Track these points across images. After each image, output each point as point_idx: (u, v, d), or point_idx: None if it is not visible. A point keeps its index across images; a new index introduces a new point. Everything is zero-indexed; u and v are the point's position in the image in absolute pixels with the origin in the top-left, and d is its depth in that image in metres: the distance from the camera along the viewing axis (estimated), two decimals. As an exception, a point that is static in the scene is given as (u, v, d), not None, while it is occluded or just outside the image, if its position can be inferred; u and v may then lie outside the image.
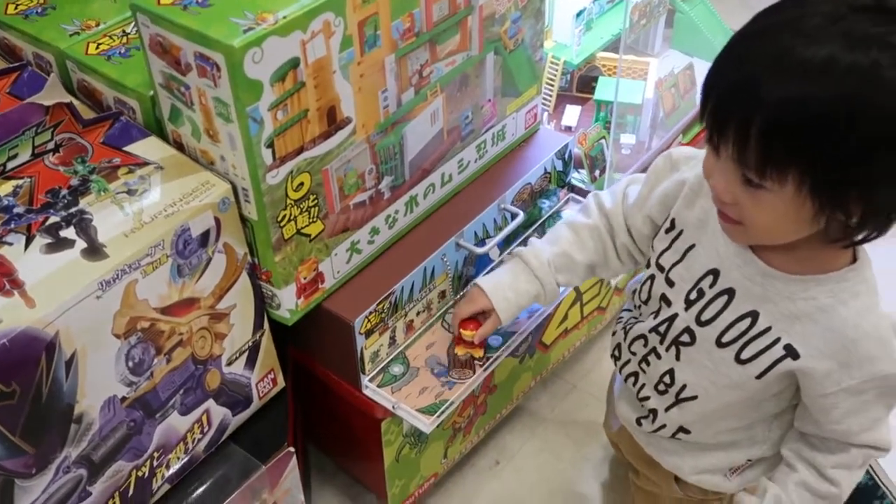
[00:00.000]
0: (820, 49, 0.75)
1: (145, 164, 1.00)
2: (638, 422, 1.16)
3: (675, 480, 1.18)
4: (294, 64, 0.93)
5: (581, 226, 1.16)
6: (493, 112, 1.29)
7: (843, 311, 0.90)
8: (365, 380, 1.19)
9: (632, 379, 1.14)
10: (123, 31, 1.13)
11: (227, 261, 1.03)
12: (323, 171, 1.04)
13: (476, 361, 1.22)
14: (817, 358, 0.92)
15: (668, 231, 1.05)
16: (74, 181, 0.96)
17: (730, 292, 0.97)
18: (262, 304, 1.10)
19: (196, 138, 1.00)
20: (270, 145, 0.96)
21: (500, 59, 1.24)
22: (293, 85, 0.95)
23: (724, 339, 0.98)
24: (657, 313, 1.06)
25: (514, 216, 1.30)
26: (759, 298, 0.94)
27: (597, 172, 1.47)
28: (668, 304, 1.04)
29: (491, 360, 1.22)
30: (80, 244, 0.90)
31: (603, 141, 1.47)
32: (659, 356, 1.07)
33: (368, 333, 1.15)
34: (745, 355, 0.97)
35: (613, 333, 1.20)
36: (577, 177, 1.48)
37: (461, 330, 1.19)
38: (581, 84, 1.65)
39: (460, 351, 1.22)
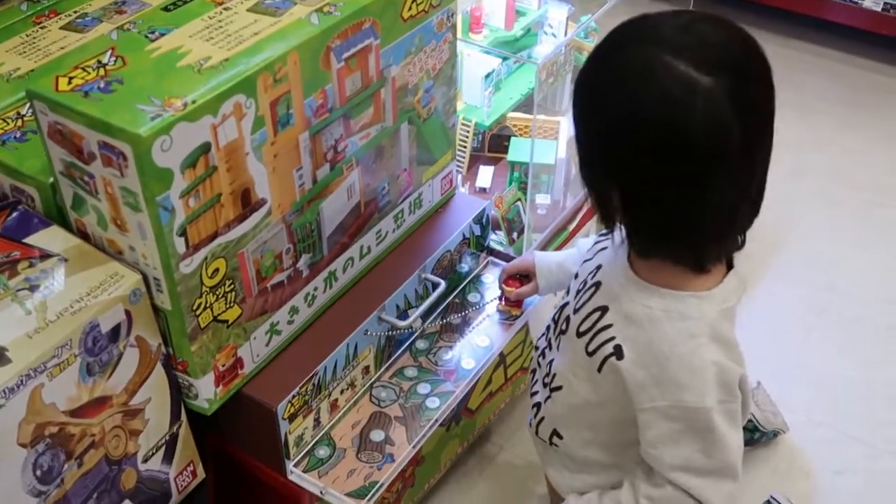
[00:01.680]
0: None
1: (47, 256, 0.94)
2: (529, 423, 1.16)
3: None
4: (205, 149, 0.90)
5: None
6: (410, 181, 1.28)
7: (667, 328, 0.92)
8: (290, 465, 1.14)
9: (532, 375, 1.17)
10: (18, 114, 1.07)
11: (140, 354, 0.97)
12: (239, 255, 1.01)
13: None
14: (637, 365, 0.93)
15: (601, 234, 1.08)
16: (-30, 280, 0.90)
17: (597, 285, 1.00)
18: (179, 394, 1.05)
19: (102, 227, 0.95)
20: (183, 233, 0.92)
21: (415, 128, 1.23)
22: (205, 170, 0.91)
23: (581, 329, 1.00)
24: (559, 302, 1.10)
25: (435, 285, 1.29)
26: (613, 296, 0.97)
27: (514, 234, 1.47)
28: (568, 292, 1.08)
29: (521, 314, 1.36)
30: (-21, 349, 0.84)
31: (519, 203, 1.47)
32: (550, 347, 1.10)
33: (292, 417, 1.11)
34: (591, 347, 0.98)
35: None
36: (495, 239, 1.47)
37: (505, 285, 1.30)
38: (493, 144, 1.65)
39: (502, 308, 1.35)
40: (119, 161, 0.86)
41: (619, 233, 0.97)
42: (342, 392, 1.20)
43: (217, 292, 0.99)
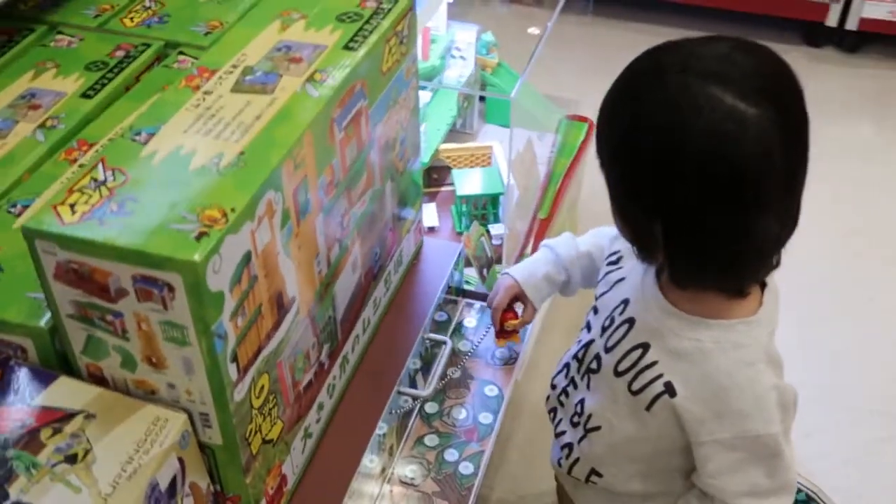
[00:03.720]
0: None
1: (69, 415, 0.80)
2: (559, 463, 1.12)
3: None
4: (247, 260, 0.79)
5: (602, 238, 1.16)
6: (394, 239, 1.19)
7: (721, 359, 0.91)
8: (347, 577, 1.04)
9: (552, 415, 1.13)
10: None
11: (195, 502, 0.85)
12: (278, 365, 0.89)
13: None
14: (692, 400, 0.92)
15: (610, 263, 1.06)
16: (-11, 466, 0.75)
17: (631, 322, 0.97)
18: (229, 533, 0.93)
19: (129, 369, 0.82)
20: (234, 359, 0.80)
21: (395, 184, 1.15)
22: (248, 284, 0.80)
23: (620, 368, 0.97)
24: (581, 341, 1.07)
25: (438, 343, 1.21)
26: (652, 332, 0.94)
27: (484, 271, 1.41)
28: (589, 329, 1.05)
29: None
30: (39, 551, 0.70)
31: (483, 238, 1.41)
32: (576, 386, 1.06)
33: (344, 526, 1.01)
34: (635, 386, 0.96)
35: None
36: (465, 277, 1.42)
37: (505, 322, 1.19)
38: (429, 180, 1.59)
39: (501, 344, 1.25)
40: (163, 294, 0.74)
41: (649, 265, 0.94)
42: (379, 480, 1.11)
43: (263, 412, 0.88)
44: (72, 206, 0.76)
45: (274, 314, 0.86)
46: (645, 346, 0.95)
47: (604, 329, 1.01)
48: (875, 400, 1.66)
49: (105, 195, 0.77)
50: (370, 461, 1.07)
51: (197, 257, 0.71)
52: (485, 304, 1.39)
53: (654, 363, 0.94)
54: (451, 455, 1.18)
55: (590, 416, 1.04)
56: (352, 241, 1.03)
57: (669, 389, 0.93)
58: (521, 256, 1.51)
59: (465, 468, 1.16)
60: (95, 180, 0.79)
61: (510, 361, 1.30)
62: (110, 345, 0.80)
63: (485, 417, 1.23)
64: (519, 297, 1.19)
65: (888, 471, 1.54)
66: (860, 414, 1.67)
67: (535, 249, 1.53)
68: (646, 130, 0.82)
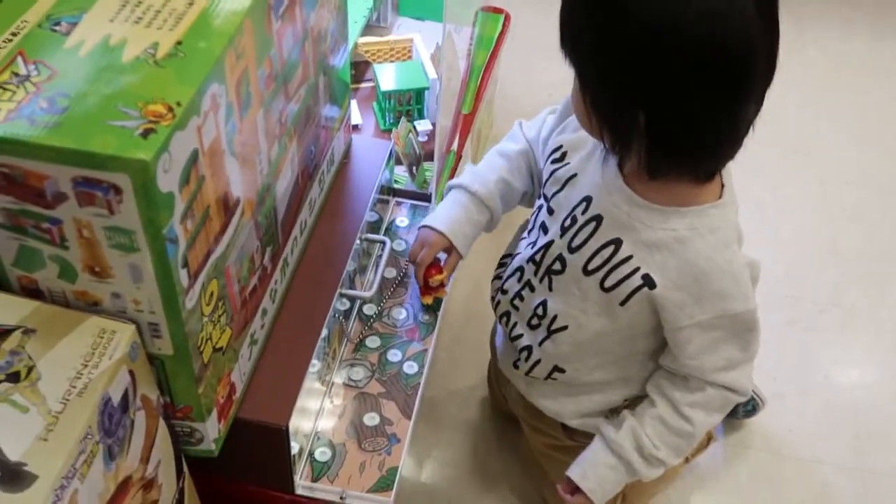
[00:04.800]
0: None
1: (6, 331, 0.74)
2: (515, 365, 1.13)
3: (561, 428, 1.17)
4: (194, 158, 0.73)
5: (513, 153, 1.14)
6: (327, 137, 1.14)
7: (699, 244, 0.92)
8: (298, 480, 1.02)
9: (504, 318, 1.12)
10: None
11: (147, 415, 0.81)
12: (226, 270, 0.85)
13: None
14: (672, 289, 0.94)
15: (555, 161, 1.04)
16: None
17: (598, 219, 0.97)
18: (179, 445, 0.89)
19: (68, 280, 0.76)
20: (186, 264, 0.75)
21: (327, 78, 1.09)
22: (196, 183, 0.75)
23: (590, 267, 0.98)
24: (535, 243, 1.05)
25: (377, 243, 1.18)
26: (623, 226, 0.95)
27: (414, 168, 1.38)
28: (546, 231, 1.03)
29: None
30: (-10, 475, 0.65)
31: (411, 135, 1.37)
32: (533, 289, 1.06)
33: (295, 431, 0.98)
34: (608, 283, 0.97)
35: (493, 279, 1.16)
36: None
37: (430, 277, 1.13)
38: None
39: (428, 300, 1.18)
40: (108, 197, 0.68)
41: (611, 158, 0.93)
42: (322, 384, 1.08)
43: (214, 319, 0.84)
44: (-6, 103, 0.69)
45: (221, 216, 0.81)
46: (617, 242, 0.95)
47: (564, 229, 0.99)
48: (780, 285, 1.72)
49: (31, 91, 0.70)
50: (314, 366, 1.04)
51: (147, 155, 0.65)
52: (415, 202, 1.36)
53: (628, 258, 0.94)
54: (394, 355, 1.16)
55: (555, 317, 1.03)
56: (289, 138, 0.98)
57: (648, 281, 0.93)
58: (448, 153, 1.48)
59: (410, 367, 1.15)
60: (17, 75, 0.72)
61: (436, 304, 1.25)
62: (46, 254, 0.74)
63: (424, 317, 1.21)
64: (445, 249, 1.14)
65: (793, 352, 1.61)
66: (768, 299, 1.74)
67: (461, 145, 1.51)
68: (634, 17, 0.79)
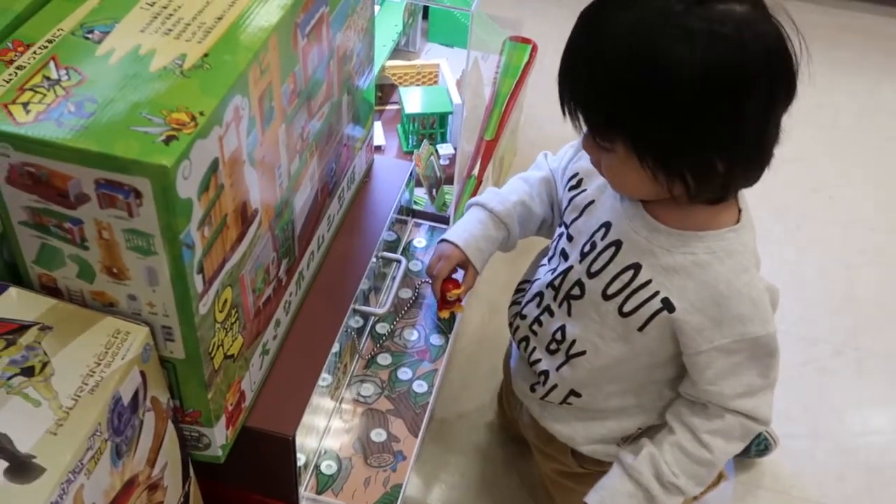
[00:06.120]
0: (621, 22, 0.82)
1: (23, 327, 0.76)
2: (532, 388, 1.13)
3: (571, 454, 1.16)
4: (214, 167, 0.75)
5: (535, 180, 1.15)
6: (348, 155, 1.16)
7: (718, 268, 0.93)
8: (303, 491, 1.03)
9: (523, 343, 1.12)
10: None
11: (156, 417, 0.82)
12: (240, 279, 0.87)
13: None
14: (691, 312, 0.94)
15: (572, 188, 1.05)
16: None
17: (617, 244, 0.97)
18: (186, 450, 0.91)
19: (86, 279, 0.78)
20: (201, 270, 0.77)
21: (351, 97, 1.12)
22: (215, 192, 0.77)
23: (609, 291, 0.98)
24: (555, 269, 1.06)
25: (393, 262, 1.20)
26: (643, 251, 0.95)
27: (434, 191, 1.40)
28: (566, 257, 1.04)
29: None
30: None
31: (433, 158, 1.39)
32: (552, 314, 1.06)
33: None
34: (626, 308, 0.97)
35: (511, 304, 1.17)
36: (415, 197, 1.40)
37: (447, 292, 1.12)
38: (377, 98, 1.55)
39: (445, 314, 1.16)
40: (129, 200, 0.70)
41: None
42: (332, 398, 1.10)
43: (226, 326, 0.86)
44: (24, 105, 0.71)
45: (238, 225, 0.83)
46: (636, 267, 0.95)
47: (584, 255, 1.00)
48: (797, 325, 1.72)
49: (61, 95, 0.73)
50: (324, 380, 1.06)
51: (167, 161, 0.68)
52: (433, 223, 1.38)
53: (648, 282, 0.95)
54: (404, 374, 1.17)
55: (573, 342, 1.03)
56: (310, 154, 1.00)
57: (667, 305, 0.94)
58: (468, 178, 1.50)
59: (419, 386, 1.16)
60: (49, 79, 0.74)
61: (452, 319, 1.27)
62: (66, 254, 0.76)
63: (436, 339, 1.22)
64: (461, 263, 1.14)
65: (807, 393, 1.60)
66: (784, 338, 1.73)
67: (482, 170, 1.53)
68: (685, 66, 0.79)
